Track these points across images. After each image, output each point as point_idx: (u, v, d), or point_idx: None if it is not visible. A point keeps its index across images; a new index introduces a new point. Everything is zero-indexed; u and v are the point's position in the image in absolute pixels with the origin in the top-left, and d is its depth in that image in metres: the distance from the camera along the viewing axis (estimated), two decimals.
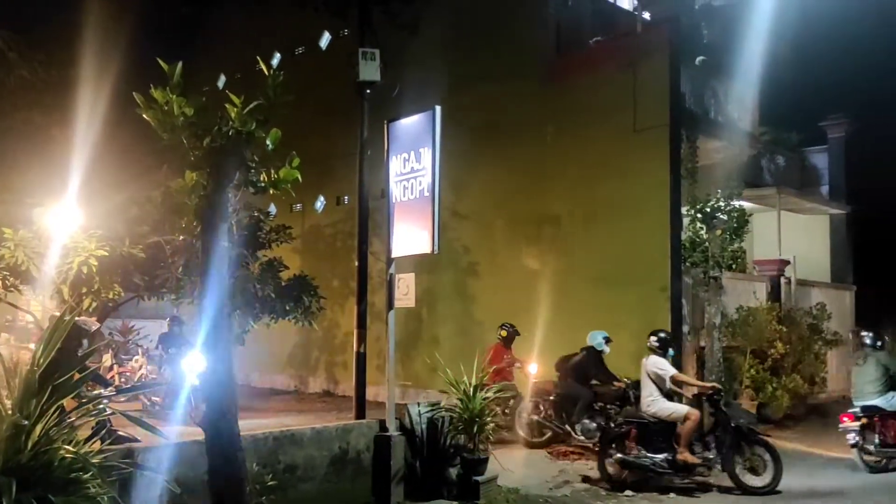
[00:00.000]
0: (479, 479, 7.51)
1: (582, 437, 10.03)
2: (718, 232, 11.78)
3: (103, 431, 6.05)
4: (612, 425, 9.11)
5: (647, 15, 14.02)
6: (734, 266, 15.03)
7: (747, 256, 16.82)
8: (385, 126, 7.89)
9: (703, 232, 12.15)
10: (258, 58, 5.41)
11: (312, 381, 17.41)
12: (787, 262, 15.50)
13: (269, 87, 5.02)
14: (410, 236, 7.52)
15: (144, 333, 16.83)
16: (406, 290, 7.69)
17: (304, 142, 15.50)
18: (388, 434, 7.37)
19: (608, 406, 10.17)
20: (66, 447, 4.10)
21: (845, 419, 9.75)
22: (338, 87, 11.03)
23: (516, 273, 13.94)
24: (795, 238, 16.63)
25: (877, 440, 9.62)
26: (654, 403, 8.73)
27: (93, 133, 9.84)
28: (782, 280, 15.39)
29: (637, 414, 8.92)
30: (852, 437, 9.59)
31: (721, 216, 12.03)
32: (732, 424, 8.63)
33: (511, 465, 8.58)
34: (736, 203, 12.79)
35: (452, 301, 14.92)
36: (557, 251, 13.48)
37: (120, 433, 6.77)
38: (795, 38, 16.76)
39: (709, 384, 9.43)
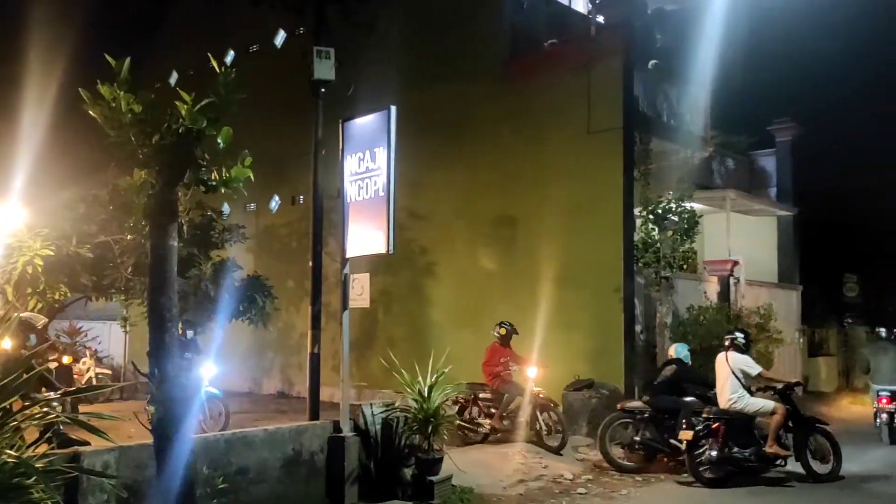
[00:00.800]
0: (434, 479, 7.52)
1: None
2: (670, 233, 11.98)
3: (48, 434, 5.90)
4: (699, 425, 9.04)
5: (600, 19, 14.20)
6: (685, 266, 15.31)
7: (698, 257, 17.14)
8: (340, 125, 7.84)
9: (654, 233, 12.35)
10: (209, 55, 5.33)
11: (267, 383, 17.22)
12: (737, 263, 15.83)
13: (221, 84, 4.95)
14: (365, 236, 7.49)
15: (93, 335, 16.47)
16: (361, 290, 7.66)
17: (258, 141, 15.31)
18: (342, 435, 7.32)
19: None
20: (9, 451, 3.99)
21: (882, 401, 11.72)
22: (293, 86, 10.91)
23: (473, 274, 14.00)
24: (744, 239, 17.01)
25: None
26: (740, 400, 9.02)
27: (39, 130, 9.61)
28: (731, 280, 15.72)
29: (722, 411, 9.08)
30: (885, 417, 11.60)
31: (672, 217, 12.23)
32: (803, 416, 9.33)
33: (469, 464, 8.62)
34: (687, 205, 13.02)
35: (409, 302, 14.91)
36: (513, 251, 13.58)
37: (71, 437, 6.61)
38: (746, 44, 17.18)
39: (793, 380, 10.31)
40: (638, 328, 12.82)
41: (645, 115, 14.10)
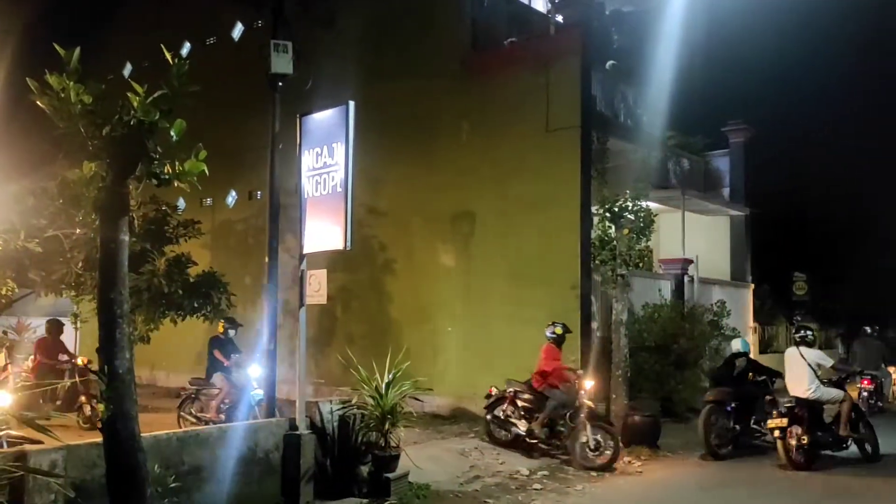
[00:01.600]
0: (391, 476, 7.50)
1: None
2: (626, 231, 12.13)
3: None
4: (784, 413, 9.83)
5: (559, 18, 14.31)
6: (641, 264, 15.55)
7: (654, 255, 17.43)
8: (298, 120, 7.77)
9: (611, 231, 12.49)
10: (162, 46, 5.22)
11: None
12: (691, 261, 16.13)
13: (174, 76, 4.84)
14: (323, 232, 7.43)
15: (43, 332, 16.03)
16: (318, 286, 7.59)
17: (215, 134, 15.06)
18: (297, 433, 7.26)
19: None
20: None
21: (865, 383, 14.55)
22: (250, 80, 10.78)
23: (432, 270, 14.01)
24: (698, 238, 17.33)
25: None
26: (818, 390, 10.04)
27: None
28: (686, 278, 16.01)
29: (802, 400, 9.94)
30: (866, 395, 14.38)
31: (629, 216, 12.37)
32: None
33: (425, 461, 8.62)
34: (643, 203, 13.20)
35: (368, 298, 14.86)
36: (472, 248, 13.62)
37: (22, 436, 6.42)
38: (702, 47, 17.48)
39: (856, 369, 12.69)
40: (594, 325, 12.98)
41: (602, 114, 14.26)
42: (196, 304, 11.32)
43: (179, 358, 17.01)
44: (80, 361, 11.89)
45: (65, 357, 12.05)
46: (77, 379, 11.22)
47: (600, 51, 14.01)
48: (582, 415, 9.63)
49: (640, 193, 12.95)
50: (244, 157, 14.89)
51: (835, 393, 10.19)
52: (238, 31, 17.05)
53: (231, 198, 17.28)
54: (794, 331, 11.24)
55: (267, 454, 7.14)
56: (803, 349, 10.33)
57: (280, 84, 7.85)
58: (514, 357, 12.30)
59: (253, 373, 10.58)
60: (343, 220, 7.13)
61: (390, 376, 7.84)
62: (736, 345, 11.84)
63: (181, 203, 14.71)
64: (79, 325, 15.52)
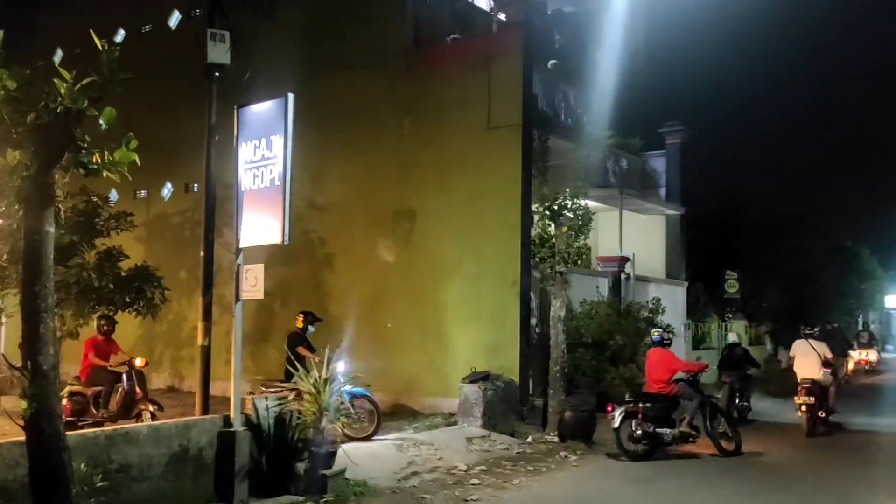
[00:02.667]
0: (327, 473, 7.44)
1: None
2: (565, 229, 12.28)
3: None
4: (808, 391, 12.22)
5: (502, 16, 14.39)
6: (580, 262, 15.76)
7: (592, 253, 17.71)
8: (235, 111, 7.62)
9: (551, 229, 12.64)
10: (91, 31, 5.04)
11: (156, 377, 16.53)
12: (628, 259, 16.46)
13: (104, 62, 4.69)
14: (260, 226, 7.31)
15: None
16: (255, 281, 7.46)
17: (150, 125, 14.71)
18: (232, 430, 7.13)
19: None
20: None
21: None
22: (187, 70, 10.54)
23: (372, 266, 13.94)
24: (636, 236, 17.68)
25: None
26: (825, 374, 12.50)
27: None
28: (623, 276, 16.32)
29: (817, 382, 12.31)
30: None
31: (568, 214, 12.54)
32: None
33: (363, 457, 8.57)
34: (582, 202, 13.39)
35: (307, 294, 14.68)
36: (413, 244, 13.61)
37: None
38: (641, 49, 17.82)
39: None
40: (533, 321, 13.13)
41: (544, 113, 14.41)
42: (128, 299, 11.04)
43: None
44: (138, 363, 10.29)
45: (119, 358, 10.51)
46: (135, 383, 10.06)
47: (542, 50, 14.15)
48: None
49: (579, 192, 13.14)
50: (180, 148, 14.53)
51: (829, 377, 12.81)
52: (175, 19, 16.63)
53: (167, 190, 16.86)
54: (795, 328, 14.20)
55: (200, 452, 6.99)
56: (812, 341, 12.80)
57: (217, 74, 7.71)
58: (454, 352, 12.35)
59: (342, 368, 10.27)
60: (281, 214, 7.02)
61: (327, 373, 7.76)
62: (732, 336, 14.73)
63: (113, 195, 14.28)
64: (3, 319, 14.97)
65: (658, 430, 10.15)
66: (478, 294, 12.68)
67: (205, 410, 7.63)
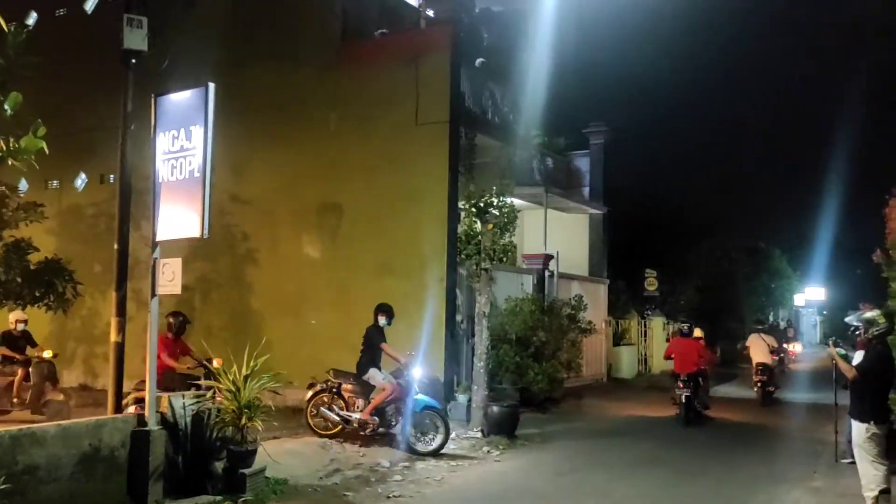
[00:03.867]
0: (247, 471, 7.29)
1: None
2: (490, 226, 12.37)
3: None
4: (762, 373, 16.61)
5: (431, 13, 14.40)
6: (505, 259, 15.90)
7: (517, 250, 17.92)
8: (153, 100, 7.37)
9: (477, 226, 12.71)
10: None
11: (68, 375, 15.87)
12: (552, 257, 16.72)
13: (9, 45, 4.47)
14: (179, 219, 7.10)
15: None
16: (172, 276, 7.24)
17: (65, 112, 14.16)
18: (146, 429, 6.91)
19: None
20: None
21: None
22: (104, 56, 10.14)
23: (296, 261, 13.75)
24: (560, 235, 18.00)
25: None
26: (772, 359, 17.05)
27: None
28: (547, 273, 16.58)
29: (767, 364, 16.72)
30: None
31: (494, 211, 12.63)
32: None
33: (285, 455, 8.45)
34: (508, 200, 13.52)
35: (229, 289, 14.39)
36: (338, 239, 13.49)
37: None
38: (568, 50, 18.11)
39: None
40: (459, 318, 13.19)
41: (471, 110, 14.49)
42: (37, 294, 10.59)
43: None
44: (215, 364, 9.43)
45: (187, 362, 9.83)
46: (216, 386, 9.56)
47: (470, 48, 14.23)
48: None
49: (505, 190, 13.25)
50: (96, 137, 13.96)
51: (776, 361, 17.43)
52: (91, 3, 15.93)
53: (80, 180, 16.05)
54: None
55: (112, 452, 6.74)
56: (763, 335, 17.19)
57: (134, 61, 7.42)
58: None
59: (416, 374, 9.86)
60: (200, 207, 6.84)
61: (248, 369, 7.60)
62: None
63: (23, 184, 13.59)
64: None
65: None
66: (404, 290, 12.65)
67: (117, 409, 7.35)
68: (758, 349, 16.71)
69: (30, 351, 10.52)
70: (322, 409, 10.02)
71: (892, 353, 7.08)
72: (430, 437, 9.81)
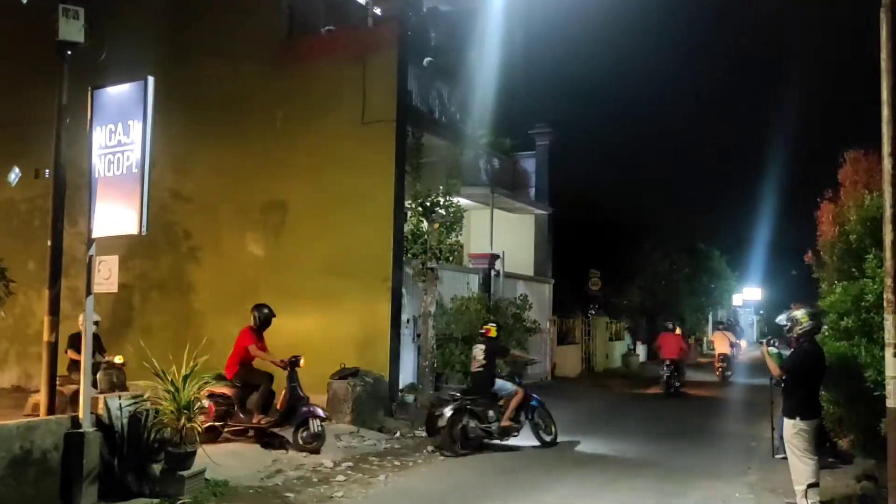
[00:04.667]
0: (185, 473, 7.15)
1: None
2: (437, 225, 12.43)
3: None
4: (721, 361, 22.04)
5: (378, 10, 14.35)
6: (451, 258, 15.99)
7: (464, 250, 18.01)
8: (89, 93, 7.17)
9: (423, 225, 12.74)
10: None
11: (0, 376, 15.40)
12: (498, 257, 16.85)
13: None
14: (116, 216, 6.91)
15: None
16: (108, 273, 7.06)
17: None
18: (81, 431, 6.71)
19: None
20: None
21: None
22: (39, 47, 9.82)
23: (239, 259, 13.54)
24: (506, 235, 18.14)
25: None
26: (731, 350, 22.46)
27: None
28: (493, 273, 16.70)
29: (726, 355, 21.97)
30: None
31: (440, 211, 12.70)
32: None
33: (226, 457, 8.31)
34: (454, 199, 13.58)
35: (169, 288, 14.10)
36: (283, 238, 13.33)
37: None
38: (515, 51, 18.27)
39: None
40: (404, 317, 13.17)
41: (418, 110, 14.49)
42: None
43: None
44: (302, 363, 9.57)
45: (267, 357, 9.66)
46: (298, 384, 9.38)
47: (417, 46, 14.21)
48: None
49: (451, 189, 13.34)
50: (30, 130, 13.53)
51: (733, 351, 22.34)
52: None
53: (14, 175, 15.53)
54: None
55: (45, 454, 6.53)
56: (724, 331, 22.25)
57: (69, 53, 7.20)
58: (323, 348, 12.18)
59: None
60: (139, 204, 6.68)
61: (188, 369, 7.46)
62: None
63: None
64: None
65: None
66: (349, 289, 12.58)
67: (50, 411, 7.13)
68: (721, 343, 21.96)
69: (98, 357, 9.77)
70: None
71: (821, 351, 7.32)
72: (548, 428, 10.77)
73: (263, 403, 9.55)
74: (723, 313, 45.00)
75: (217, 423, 9.26)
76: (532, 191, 20.29)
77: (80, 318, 10.46)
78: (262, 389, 9.58)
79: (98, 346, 10.54)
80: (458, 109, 16.14)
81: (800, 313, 7.24)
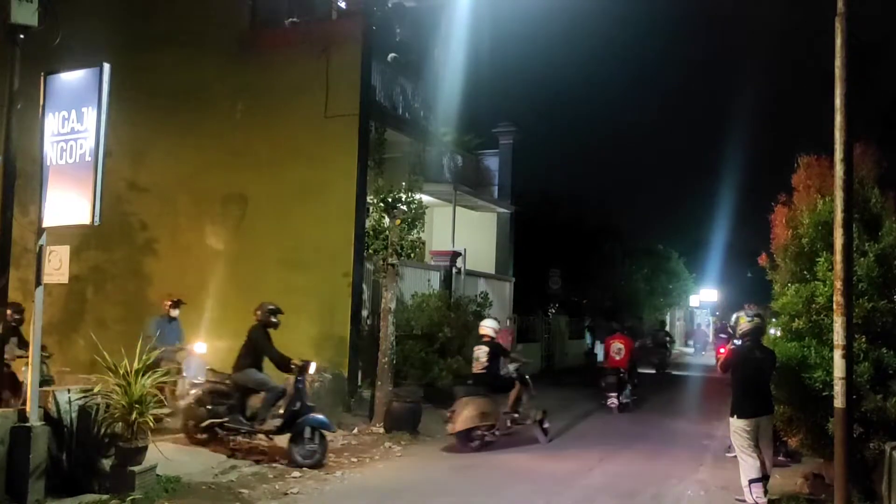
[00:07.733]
0: (136, 469, 7.01)
1: None
2: (398, 221, 12.35)
3: None
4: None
5: (342, 4, 14.23)
6: (412, 255, 15.92)
7: (426, 247, 17.97)
8: (42, 78, 6.99)
9: (385, 221, 12.67)
10: None
11: None
12: (459, 254, 16.85)
13: None
14: (68, 205, 6.75)
15: None
16: (59, 264, 6.89)
17: None
18: (27, 425, 6.54)
19: None
20: None
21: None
22: None
23: (199, 253, 13.34)
24: (468, 232, 18.15)
25: None
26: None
27: None
28: (454, 270, 16.69)
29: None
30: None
31: (402, 207, 12.62)
32: None
33: (179, 452, 8.18)
34: (417, 196, 13.51)
35: (125, 280, 13.84)
36: (242, 231, 13.18)
37: None
38: (481, 49, 18.28)
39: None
40: (365, 313, 13.11)
41: (382, 105, 14.42)
42: None
43: None
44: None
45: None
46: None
47: (382, 41, 14.11)
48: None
49: (414, 186, 13.26)
50: None
51: None
52: None
53: None
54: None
55: None
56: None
57: (22, 37, 7.00)
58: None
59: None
60: (92, 193, 6.53)
61: (140, 363, 7.30)
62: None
63: None
64: None
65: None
66: (309, 284, 12.48)
67: None
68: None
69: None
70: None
71: (761, 352, 7.55)
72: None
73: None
74: (679, 313, 45.66)
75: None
76: (495, 189, 20.35)
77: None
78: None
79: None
80: (422, 106, 16.11)
81: (740, 314, 7.63)
